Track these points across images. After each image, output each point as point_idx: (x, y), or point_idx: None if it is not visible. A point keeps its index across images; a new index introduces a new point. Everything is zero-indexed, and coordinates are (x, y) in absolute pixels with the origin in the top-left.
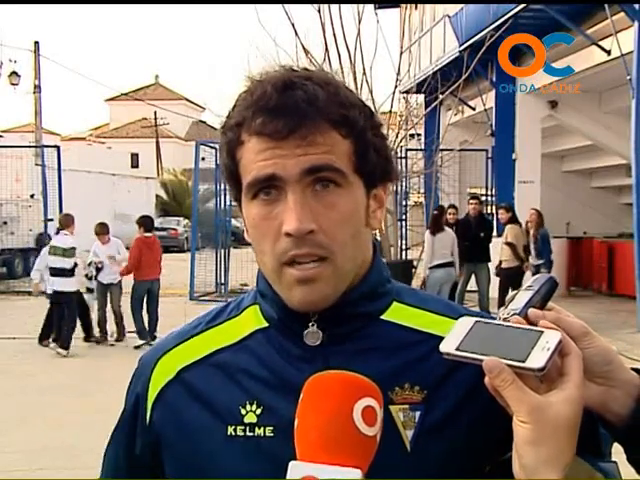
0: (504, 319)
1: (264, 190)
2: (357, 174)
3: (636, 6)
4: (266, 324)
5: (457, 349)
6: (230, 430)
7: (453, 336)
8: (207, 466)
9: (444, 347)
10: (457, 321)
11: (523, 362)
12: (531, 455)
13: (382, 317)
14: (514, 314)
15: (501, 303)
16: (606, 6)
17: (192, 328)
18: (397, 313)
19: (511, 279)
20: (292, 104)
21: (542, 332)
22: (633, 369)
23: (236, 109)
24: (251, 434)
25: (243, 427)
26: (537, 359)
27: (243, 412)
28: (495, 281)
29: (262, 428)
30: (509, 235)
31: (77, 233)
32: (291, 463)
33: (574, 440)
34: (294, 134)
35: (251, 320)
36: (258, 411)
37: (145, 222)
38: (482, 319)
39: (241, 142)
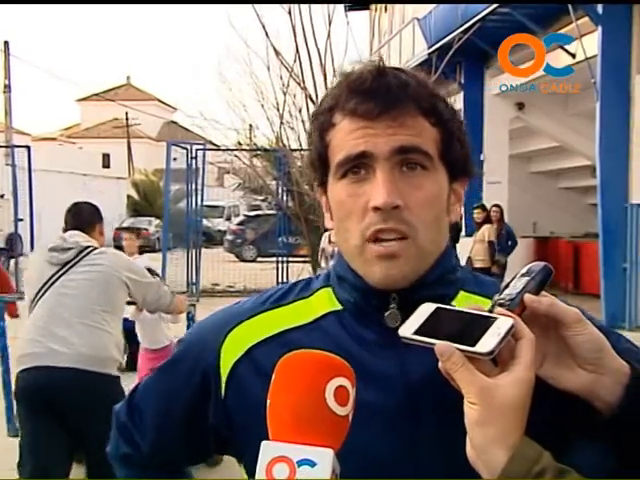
0: (499, 304)
1: (353, 169)
2: (442, 161)
3: (600, 11)
4: (340, 307)
5: (414, 333)
6: None
7: (413, 320)
8: None
9: (402, 331)
10: (421, 306)
11: (473, 346)
12: (479, 435)
13: (451, 304)
14: (510, 299)
15: None
16: (571, 10)
17: (259, 304)
18: (463, 301)
19: None
20: (385, 87)
21: (496, 318)
22: (623, 358)
23: (328, 96)
24: None
25: None
26: (487, 344)
27: None
28: None
29: None
30: (491, 234)
31: (49, 234)
32: (263, 443)
33: (522, 420)
34: (385, 115)
35: (324, 302)
36: None
37: None
38: (443, 305)
39: (332, 124)
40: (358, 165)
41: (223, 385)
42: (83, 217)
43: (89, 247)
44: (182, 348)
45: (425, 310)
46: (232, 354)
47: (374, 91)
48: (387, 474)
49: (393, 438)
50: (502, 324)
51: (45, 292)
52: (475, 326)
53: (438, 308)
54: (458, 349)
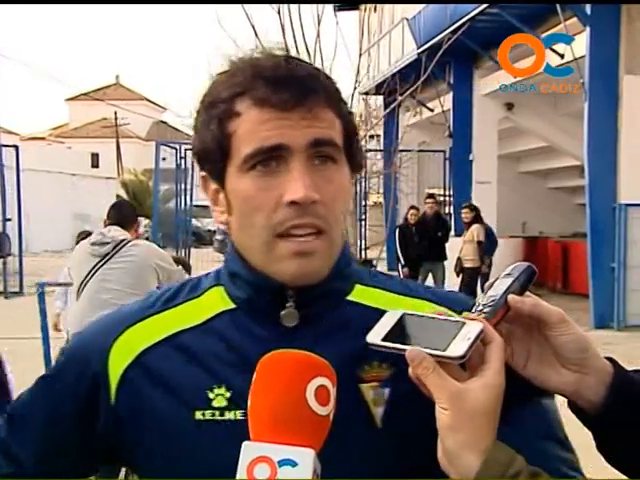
0: (483, 305)
1: (263, 162)
2: (346, 156)
3: (588, 11)
4: (233, 305)
5: (383, 340)
6: (198, 415)
7: (380, 327)
8: (178, 453)
9: (370, 338)
10: (386, 313)
11: (444, 351)
12: (451, 440)
13: (347, 298)
14: (493, 300)
15: None
16: (559, 11)
17: (148, 306)
18: (360, 294)
19: (475, 279)
20: (298, 76)
21: (464, 323)
22: (606, 357)
23: (226, 83)
24: (221, 418)
25: (212, 411)
26: (457, 348)
27: (211, 396)
28: (449, 279)
29: (233, 412)
30: (480, 234)
31: (38, 234)
32: (244, 443)
33: (494, 424)
34: (300, 106)
35: (215, 301)
36: (227, 394)
37: None
38: (409, 311)
39: (236, 114)
40: (269, 157)
41: (113, 392)
42: (124, 214)
43: (124, 240)
44: (66, 357)
45: (391, 317)
46: (122, 360)
47: (287, 80)
48: None
49: None
50: (471, 328)
51: (89, 280)
52: (444, 331)
53: (404, 314)
54: (429, 354)
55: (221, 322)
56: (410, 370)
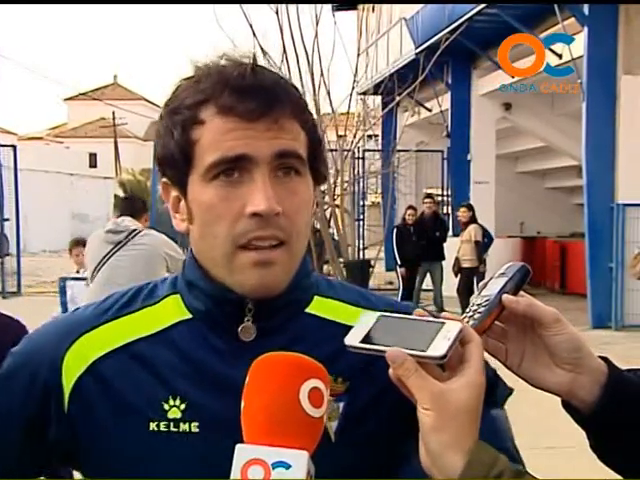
0: (477, 305)
1: (226, 172)
2: (309, 168)
3: (585, 11)
4: (189, 316)
5: (361, 342)
6: (153, 426)
7: (358, 329)
8: (131, 463)
9: (349, 340)
10: (361, 315)
11: (425, 351)
12: (435, 440)
13: (305, 310)
14: (487, 300)
15: (466, 303)
16: (557, 11)
17: (103, 312)
18: (318, 306)
19: (473, 280)
20: (264, 86)
21: (444, 323)
22: (601, 357)
23: (190, 89)
24: (175, 430)
25: (167, 422)
26: (438, 348)
27: (166, 407)
28: (447, 279)
29: (187, 424)
30: (477, 234)
31: (36, 234)
32: (238, 446)
33: (476, 424)
34: (266, 116)
35: (172, 310)
36: (182, 406)
37: None
38: (385, 313)
39: (200, 121)
40: (232, 167)
41: (66, 400)
42: (135, 206)
43: (135, 230)
44: (15, 362)
45: (368, 319)
46: (75, 368)
47: (253, 89)
48: None
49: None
50: (451, 328)
51: (103, 265)
52: (423, 331)
53: (381, 316)
54: (410, 355)
55: (177, 332)
56: (390, 371)
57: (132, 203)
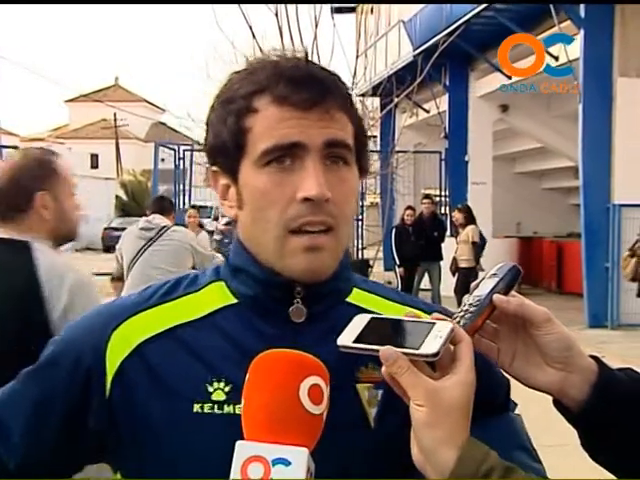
0: (469, 305)
1: (279, 158)
2: (355, 159)
3: (582, 13)
4: (235, 300)
5: (354, 342)
6: (197, 407)
7: (350, 330)
8: (174, 444)
9: (341, 341)
10: (355, 317)
11: (417, 349)
12: (428, 437)
13: (346, 300)
14: (478, 300)
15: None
16: (553, 14)
17: (145, 299)
18: (357, 297)
19: (470, 280)
20: (317, 78)
21: (434, 323)
22: (591, 356)
23: (245, 80)
24: (220, 412)
25: (211, 404)
26: (430, 346)
27: (210, 389)
28: (445, 279)
29: (232, 406)
30: (474, 235)
31: None
32: (238, 443)
33: (468, 420)
34: (318, 106)
35: (216, 296)
36: (227, 388)
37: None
38: (377, 315)
39: (254, 110)
40: (285, 154)
41: (109, 384)
42: (164, 205)
43: (165, 226)
44: (58, 350)
45: (360, 320)
46: (119, 352)
47: (307, 80)
48: None
49: None
50: (442, 327)
51: (138, 259)
52: (415, 331)
53: (373, 318)
54: (402, 353)
55: (222, 317)
56: (383, 369)
57: (161, 203)
